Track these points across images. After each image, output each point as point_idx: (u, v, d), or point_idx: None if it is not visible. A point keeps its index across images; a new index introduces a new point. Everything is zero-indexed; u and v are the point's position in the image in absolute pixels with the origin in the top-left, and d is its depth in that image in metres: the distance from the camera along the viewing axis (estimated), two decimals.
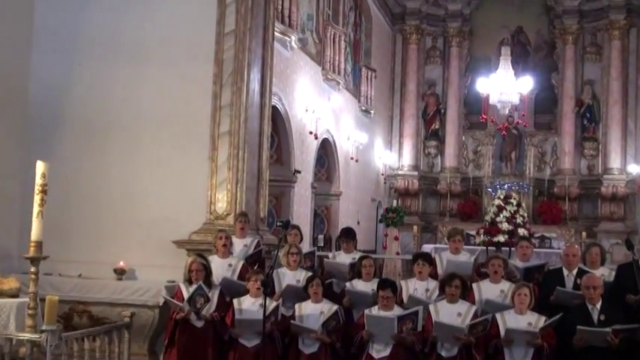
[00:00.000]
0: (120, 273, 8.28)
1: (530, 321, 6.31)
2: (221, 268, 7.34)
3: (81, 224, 8.66)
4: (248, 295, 6.87)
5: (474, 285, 6.92)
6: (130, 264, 8.39)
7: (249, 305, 6.79)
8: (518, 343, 6.20)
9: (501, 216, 15.49)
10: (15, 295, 7.21)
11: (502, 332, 6.27)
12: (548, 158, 22.13)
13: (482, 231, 15.59)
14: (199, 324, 6.78)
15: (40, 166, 6.10)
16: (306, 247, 8.77)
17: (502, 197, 16.07)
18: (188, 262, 6.99)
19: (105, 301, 7.93)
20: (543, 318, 6.32)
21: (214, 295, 6.86)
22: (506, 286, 6.83)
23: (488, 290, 6.83)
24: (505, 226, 15.27)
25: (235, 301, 6.88)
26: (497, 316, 6.39)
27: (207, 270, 6.95)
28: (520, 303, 6.35)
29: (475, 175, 22.25)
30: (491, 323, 6.32)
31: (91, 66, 8.86)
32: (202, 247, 8.04)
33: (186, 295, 6.84)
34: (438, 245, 17.05)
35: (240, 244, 7.80)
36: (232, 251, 7.62)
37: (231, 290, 7.22)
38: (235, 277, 7.33)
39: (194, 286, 6.83)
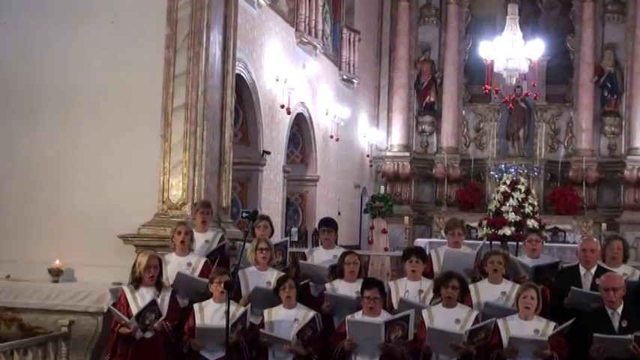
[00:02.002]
0: (55, 274, 8.25)
1: (537, 328, 6.40)
2: (179, 267, 7.37)
3: (7, 216, 8.62)
4: (211, 300, 6.90)
5: (471, 286, 7.00)
6: (68, 263, 8.36)
7: (211, 311, 6.81)
8: (524, 354, 6.28)
9: (507, 205, 15.62)
10: None
11: (504, 341, 6.36)
12: (562, 136, 22.31)
13: (485, 222, 15.73)
14: (148, 334, 6.82)
15: None
16: (277, 240, 8.77)
17: (508, 183, 16.20)
18: (140, 258, 6.99)
19: (38, 307, 7.89)
20: (552, 324, 6.41)
21: (165, 300, 6.89)
22: (507, 287, 6.93)
23: (488, 292, 6.92)
24: (512, 216, 15.41)
25: (196, 306, 6.91)
26: (499, 322, 6.47)
27: (160, 269, 6.98)
28: (525, 307, 6.43)
29: (477, 157, 22.36)
30: (492, 330, 6.40)
31: (19, 26, 8.79)
32: (154, 243, 8.04)
33: (132, 303, 6.87)
34: (433, 239, 17.16)
35: (201, 240, 7.82)
36: (193, 248, 7.64)
37: (189, 289, 7.24)
38: None
39: (144, 294, 6.86)
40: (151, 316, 6.78)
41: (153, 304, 6.79)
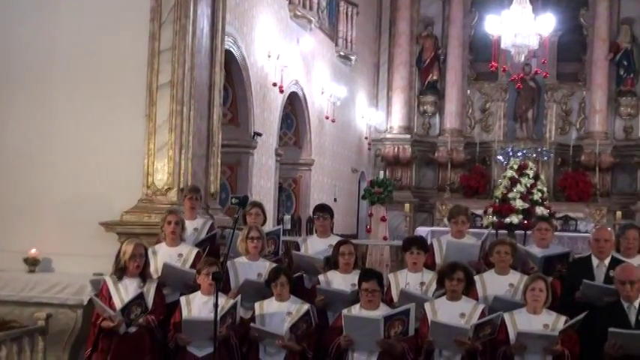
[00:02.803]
0: (32, 264, 8.25)
1: (546, 322, 6.42)
2: (169, 258, 7.39)
3: None
4: (199, 292, 6.92)
5: (477, 278, 7.01)
6: (45, 252, 8.37)
7: (199, 304, 6.83)
8: (533, 350, 6.31)
9: (515, 191, 15.62)
10: None
11: (512, 336, 6.38)
12: (574, 118, 22.32)
13: (490, 210, 15.73)
14: (131, 329, 6.83)
15: None
16: (269, 228, 8.78)
17: (516, 167, 16.20)
18: (125, 246, 6.98)
19: (12, 299, 7.89)
20: (563, 318, 6.43)
21: (150, 292, 6.90)
22: (515, 278, 6.95)
23: (494, 284, 6.94)
24: (519, 203, 15.41)
25: (183, 299, 6.93)
26: (506, 316, 6.49)
27: (146, 259, 6.99)
28: (534, 300, 6.45)
29: (482, 140, 22.37)
30: (499, 325, 6.42)
31: None
32: (137, 231, 8.05)
33: (115, 295, 6.87)
34: (435, 228, 17.18)
35: (190, 228, 7.83)
36: (184, 238, 7.65)
37: (176, 281, 7.25)
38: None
39: (127, 286, 6.86)
40: (137, 311, 6.78)
41: (140, 297, 6.80)
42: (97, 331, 6.84)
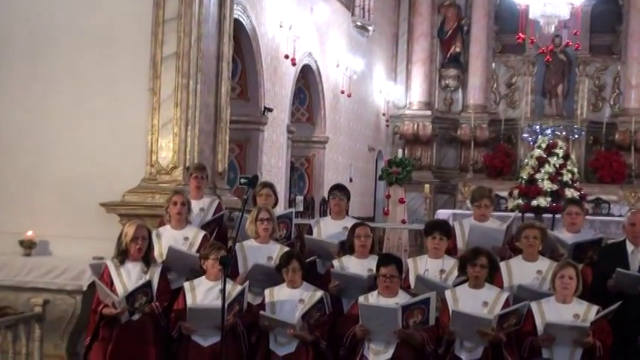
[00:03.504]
0: (28, 246, 8.27)
1: (577, 312, 6.39)
2: (175, 241, 7.38)
3: None
4: (204, 278, 6.92)
5: (502, 264, 6.99)
6: (42, 234, 8.38)
7: (204, 290, 6.84)
8: (562, 342, 6.29)
9: (543, 172, 15.56)
10: None
11: (539, 327, 6.37)
12: (607, 94, 22.21)
13: (516, 192, 15.68)
14: (135, 317, 6.83)
15: None
16: (280, 210, 8.77)
17: (544, 146, 16.12)
18: (127, 228, 6.98)
19: (7, 284, 7.92)
20: (595, 308, 6.40)
21: (154, 277, 6.90)
22: (544, 265, 6.92)
23: (521, 271, 6.92)
24: (547, 185, 15.36)
25: (186, 285, 6.93)
26: (533, 306, 6.47)
27: (149, 242, 6.99)
28: (563, 288, 6.42)
29: (508, 117, 22.31)
30: (525, 315, 6.41)
31: None
32: (140, 212, 8.07)
33: (116, 280, 6.87)
34: (457, 211, 17.15)
35: (195, 208, 7.82)
36: (190, 220, 7.65)
37: (182, 266, 7.26)
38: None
39: (129, 270, 6.87)
40: (142, 299, 6.76)
41: (147, 285, 6.77)
42: (98, 318, 6.84)
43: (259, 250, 7.32)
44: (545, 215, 14.57)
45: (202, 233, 7.53)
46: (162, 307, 6.88)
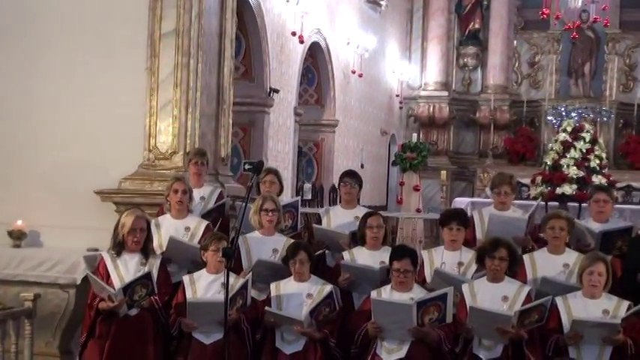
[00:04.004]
0: (17, 237, 8.28)
1: (606, 308, 6.36)
2: (175, 232, 7.37)
3: None
4: (204, 271, 6.93)
5: (526, 257, 6.98)
6: (32, 224, 8.38)
7: (205, 284, 6.84)
8: (590, 340, 6.27)
9: (568, 157, 15.52)
10: None
11: (565, 324, 6.35)
12: (639, 73, 22.12)
13: (539, 179, 15.65)
14: (133, 311, 6.83)
15: None
16: (286, 199, 8.76)
17: (570, 130, 16.08)
18: (124, 218, 6.97)
19: None
20: (626, 304, 6.38)
21: (153, 270, 6.89)
22: (571, 258, 6.89)
23: (546, 264, 6.89)
24: (573, 171, 15.32)
25: (186, 278, 6.93)
26: (558, 301, 6.44)
27: (148, 232, 7.00)
28: (592, 286, 6.40)
29: (531, 98, 22.27)
30: (549, 311, 6.39)
31: None
32: (137, 200, 8.07)
33: (113, 273, 6.86)
34: (476, 199, 17.13)
35: (196, 197, 7.81)
36: (192, 209, 7.65)
37: (183, 258, 7.26)
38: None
39: (127, 262, 6.87)
40: (142, 292, 6.74)
41: (147, 277, 6.74)
42: (94, 314, 6.82)
43: (263, 243, 7.30)
44: (570, 204, 14.54)
45: (205, 223, 7.52)
46: (162, 302, 6.87)
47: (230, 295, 6.35)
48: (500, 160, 21.89)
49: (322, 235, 7.74)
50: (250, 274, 6.88)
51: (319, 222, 7.97)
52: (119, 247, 6.94)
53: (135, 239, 6.88)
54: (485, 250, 6.66)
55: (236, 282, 6.71)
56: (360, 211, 7.68)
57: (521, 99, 22.30)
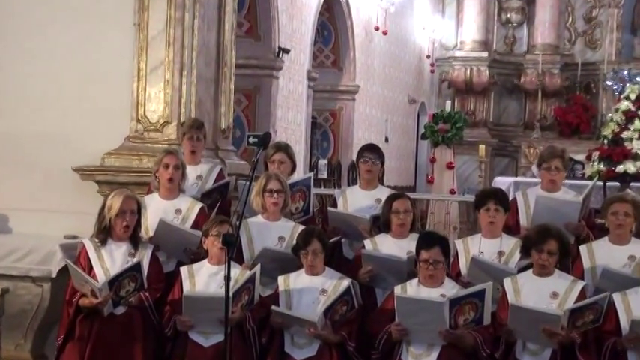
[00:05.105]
0: None
1: None
2: (164, 214, 7.36)
3: None
4: (205, 261, 6.93)
5: (582, 248, 6.95)
6: (0, 207, 8.43)
7: (205, 277, 6.84)
8: None
9: (631, 129, 15.47)
10: None
11: (624, 325, 6.34)
12: None
13: (596, 155, 15.62)
14: (119, 309, 6.83)
15: None
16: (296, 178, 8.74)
17: (633, 97, 16.01)
18: (111, 200, 6.91)
19: None
20: None
21: (143, 261, 6.89)
22: (638, 249, 6.87)
23: (607, 256, 6.85)
24: (637, 146, 15.28)
25: (184, 269, 6.93)
26: (616, 297, 6.42)
27: (139, 217, 6.98)
28: None
29: (587, 60, 22.20)
30: (607, 310, 6.37)
31: None
32: (123, 179, 8.11)
33: (96, 264, 6.85)
34: (520, 179, 17.08)
35: (192, 175, 7.81)
36: (184, 188, 7.64)
37: (173, 245, 7.27)
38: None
39: (113, 252, 6.87)
40: (130, 286, 6.72)
41: (135, 268, 6.71)
42: (74, 311, 6.82)
43: (268, 229, 7.28)
44: (633, 184, 14.50)
45: (199, 205, 7.51)
46: (153, 299, 6.87)
47: (234, 289, 6.36)
48: (550, 133, 21.86)
49: (338, 220, 7.72)
50: (258, 266, 6.84)
51: (335, 205, 7.96)
52: (104, 233, 6.91)
53: (124, 224, 6.84)
54: (532, 240, 6.61)
55: (241, 274, 6.72)
56: (383, 193, 7.67)
57: (575, 61, 22.23)
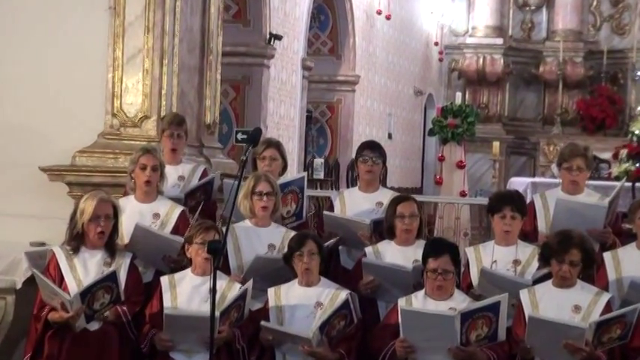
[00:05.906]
0: None
1: None
2: (141, 218, 7.37)
3: None
4: (189, 271, 6.93)
5: (607, 255, 6.97)
6: None
7: (189, 290, 6.84)
8: None
9: None
10: None
11: None
12: None
13: (624, 153, 15.68)
14: (93, 325, 6.82)
15: None
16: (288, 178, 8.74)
17: None
18: (84, 203, 6.90)
19: None
20: None
21: (120, 271, 6.89)
22: None
23: (635, 265, 6.87)
24: None
25: (165, 280, 6.93)
26: None
27: (116, 220, 6.97)
28: None
29: (613, 47, 22.24)
30: (635, 324, 6.38)
31: None
32: (97, 180, 8.13)
33: (67, 274, 6.85)
34: (538, 179, 17.15)
35: (172, 175, 7.83)
36: (162, 190, 7.64)
37: (151, 252, 7.27)
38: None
39: (86, 261, 6.86)
40: (105, 298, 6.69)
41: (111, 278, 6.69)
42: (42, 327, 6.81)
43: (257, 236, 7.29)
44: None
45: (179, 209, 7.53)
46: (132, 314, 6.87)
47: (222, 307, 6.36)
48: (571, 128, 21.90)
49: (335, 225, 7.73)
50: (251, 281, 6.83)
51: (331, 209, 7.97)
52: (77, 240, 6.91)
53: (98, 230, 6.83)
54: (552, 250, 6.60)
55: (228, 287, 6.73)
56: (385, 196, 7.70)
57: (600, 48, 22.27)
